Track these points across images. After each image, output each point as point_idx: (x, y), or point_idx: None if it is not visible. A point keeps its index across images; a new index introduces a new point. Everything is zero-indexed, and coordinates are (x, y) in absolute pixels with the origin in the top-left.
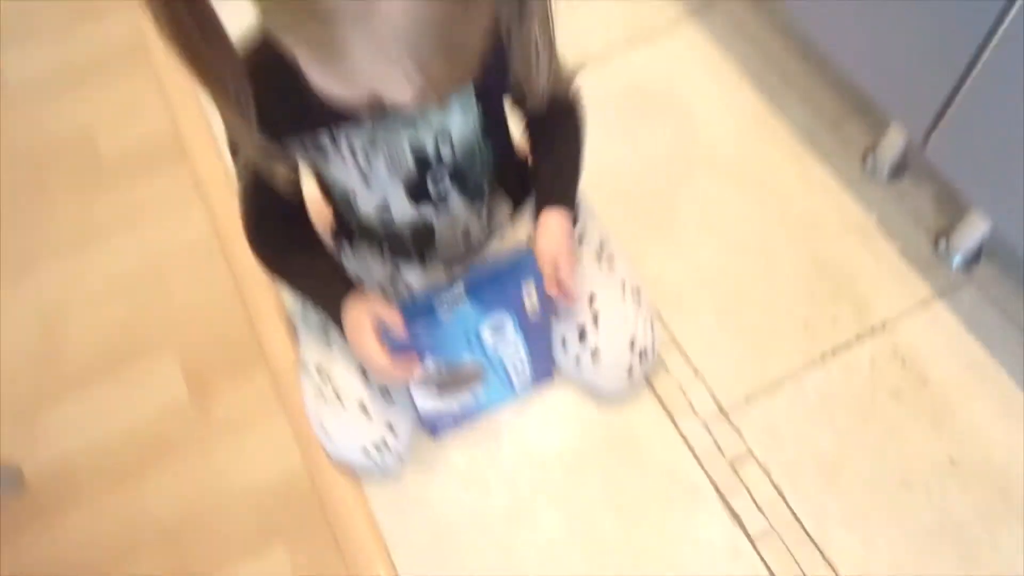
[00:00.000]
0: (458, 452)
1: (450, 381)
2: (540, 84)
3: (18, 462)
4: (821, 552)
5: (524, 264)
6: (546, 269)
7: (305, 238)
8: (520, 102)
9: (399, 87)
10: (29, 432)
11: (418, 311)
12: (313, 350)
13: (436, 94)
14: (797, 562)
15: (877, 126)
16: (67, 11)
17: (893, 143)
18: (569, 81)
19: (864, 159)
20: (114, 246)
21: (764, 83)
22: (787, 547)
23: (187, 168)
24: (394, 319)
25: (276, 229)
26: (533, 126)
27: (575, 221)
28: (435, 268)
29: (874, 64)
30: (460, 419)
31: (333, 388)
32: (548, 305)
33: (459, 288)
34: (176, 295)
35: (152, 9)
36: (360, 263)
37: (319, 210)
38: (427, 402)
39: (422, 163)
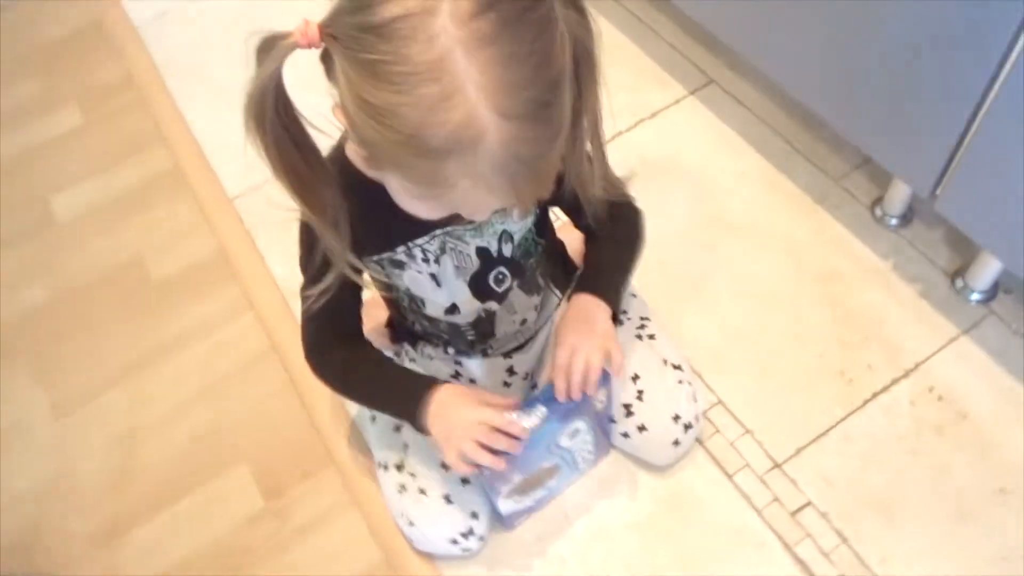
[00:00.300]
0: (528, 532)
1: (530, 485)
2: (594, 193)
3: None
4: None
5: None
6: (560, 355)
7: (367, 352)
8: (575, 211)
9: (489, 208)
10: (113, 558)
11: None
12: (387, 449)
13: (522, 210)
14: None
15: (882, 177)
16: (109, 149)
17: (900, 193)
18: (622, 189)
19: (873, 209)
20: (173, 367)
21: (768, 149)
22: None
23: (236, 285)
24: (504, 401)
25: (339, 350)
26: (590, 236)
27: (615, 318)
28: (496, 359)
29: (873, 127)
30: (534, 509)
31: (417, 484)
32: (611, 397)
33: (540, 410)
34: (240, 408)
35: (263, 147)
36: (424, 363)
37: (369, 317)
38: (511, 507)
39: (486, 262)
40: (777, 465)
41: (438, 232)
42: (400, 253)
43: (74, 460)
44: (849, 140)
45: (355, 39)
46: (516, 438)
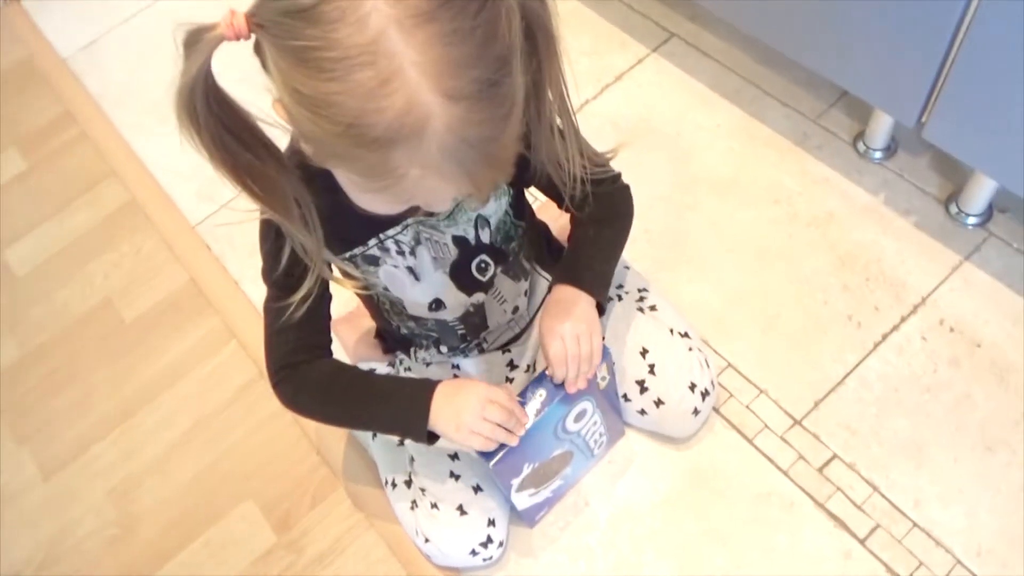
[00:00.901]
0: (553, 526)
1: (544, 475)
2: (573, 171)
3: None
4: (929, 535)
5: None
6: (553, 347)
7: (344, 365)
8: (554, 192)
9: (445, 197)
10: None
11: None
12: (393, 465)
13: (480, 198)
14: (910, 551)
15: (862, 110)
16: (57, 191)
17: (882, 125)
18: (603, 164)
19: (855, 145)
20: (160, 408)
21: (740, 97)
22: (896, 539)
23: (214, 315)
24: (507, 391)
25: (317, 365)
26: (574, 218)
27: (601, 308)
28: (494, 354)
29: (850, 61)
30: (553, 502)
31: (428, 499)
32: (613, 372)
33: (541, 392)
34: (235, 441)
35: (200, 143)
36: (419, 370)
37: (355, 328)
38: (526, 501)
39: (465, 251)
40: (797, 422)
41: (410, 221)
42: (373, 247)
43: (70, 520)
44: (825, 77)
45: (282, 26)
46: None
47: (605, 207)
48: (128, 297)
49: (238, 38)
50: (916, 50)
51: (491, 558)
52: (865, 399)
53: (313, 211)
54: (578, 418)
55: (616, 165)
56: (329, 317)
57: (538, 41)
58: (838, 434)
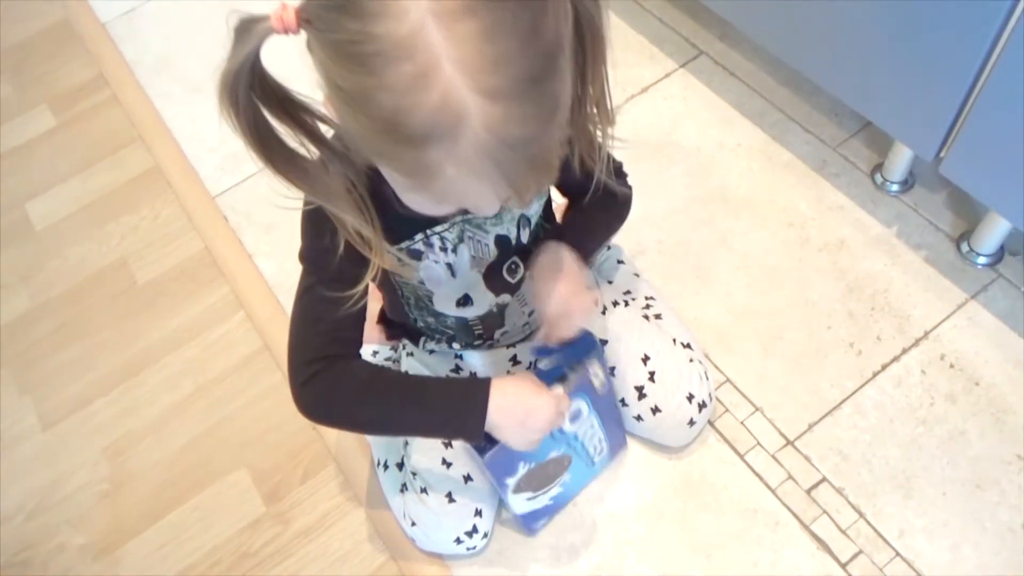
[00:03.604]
0: (538, 522)
1: (541, 479)
2: (596, 174)
3: None
4: (911, 566)
5: (584, 345)
6: (551, 306)
7: (377, 366)
8: (568, 188)
9: (487, 200)
10: (114, 569)
11: None
12: (387, 449)
13: (521, 202)
14: None
15: (882, 142)
16: (84, 151)
17: (901, 158)
18: (620, 171)
19: (873, 176)
20: (163, 371)
21: (763, 119)
22: (877, 566)
23: (225, 284)
24: (565, 399)
25: (352, 362)
26: (574, 202)
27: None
28: (499, 350)
29: (874, 91)
30: (553, 511)
31: (418, 484)
32: (610, 377)
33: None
34: (234, 410)
35: (238, 128)
36: (422, 357)
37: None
38: (524, 506)
39: (503, 252)
40: (789, 442)
41: (458, 219)
42: (419, 242)
43: (64, 472)
44: (849, 106)
45: (324, 19)
46: None
47: (608, 201)
48: (143, 260)
49: (286, 32)
50: (940, 85)
51: (475, 548)
52: (859, 426)
53: (369, 202)
54: (574, 419)
55: (635, 175)
56: (365, 312)
57: (587, 41)
58: (829, 458)
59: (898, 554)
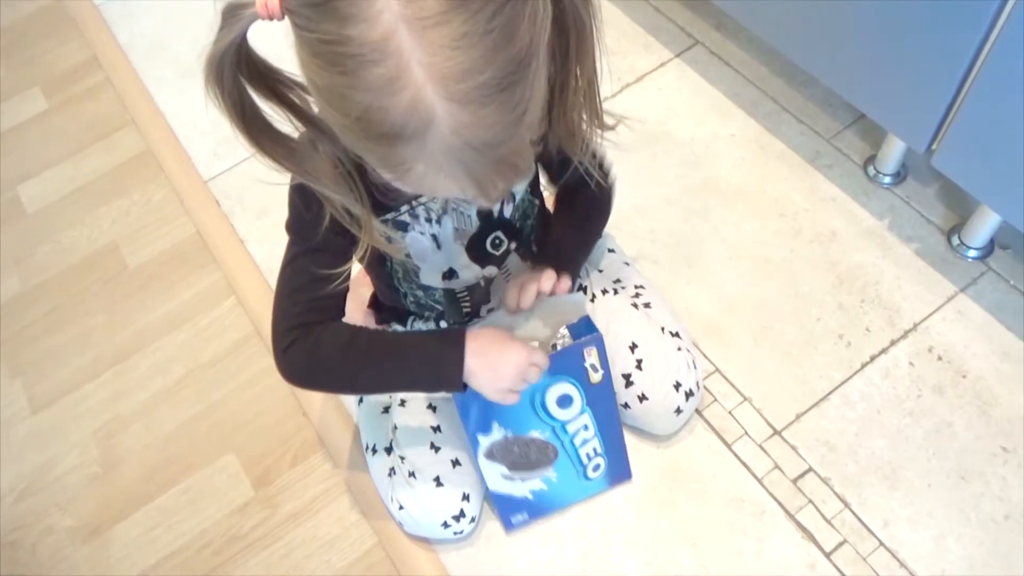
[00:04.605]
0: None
1: (521, 459)
2: (582, 155)
3: None
4: (895, 556)
5: (580, 329)
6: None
7: (359, 328)
8: (550, 170)
9: (456, 195)
10: (103, 552)
11: None
12: (376, 433)
13: (488, 201)
14: (874, 570)
15: (875, 134)
16: (75, 134)
17: (894, 150)
18: (598, 153)
19: (866, 168)
20: (154, 355)
21: (757, 110)
22: (861, 556)
23: (217, 269)
24: (541, 351)
25: (333, 324)
26: (563, 194)
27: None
28: None
29: (867, 83)
30: (534, 512)
31: (406, 468)
32: (609, 380)
33: None
34: (224, 394)
35: (224, 109)
36: None
37: (352, 296)
38: (498, 482)
39: (486, 224)
40: (777, 432)
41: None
42: (404, 213)
43: (54, 455)
44: (842, 97)
45: (302, 15)
46: None
47: (591, 199)
48: (134, 244)
49: (271, 18)
50: (932, 77)
51: (462, 532)
52: (847, 417)
53: (357, 178)
54: (562, 403)
55: (628, 165)
56: (348, 281)
57: (570, 39)
58: (816, 448)
59: (882, 544)
